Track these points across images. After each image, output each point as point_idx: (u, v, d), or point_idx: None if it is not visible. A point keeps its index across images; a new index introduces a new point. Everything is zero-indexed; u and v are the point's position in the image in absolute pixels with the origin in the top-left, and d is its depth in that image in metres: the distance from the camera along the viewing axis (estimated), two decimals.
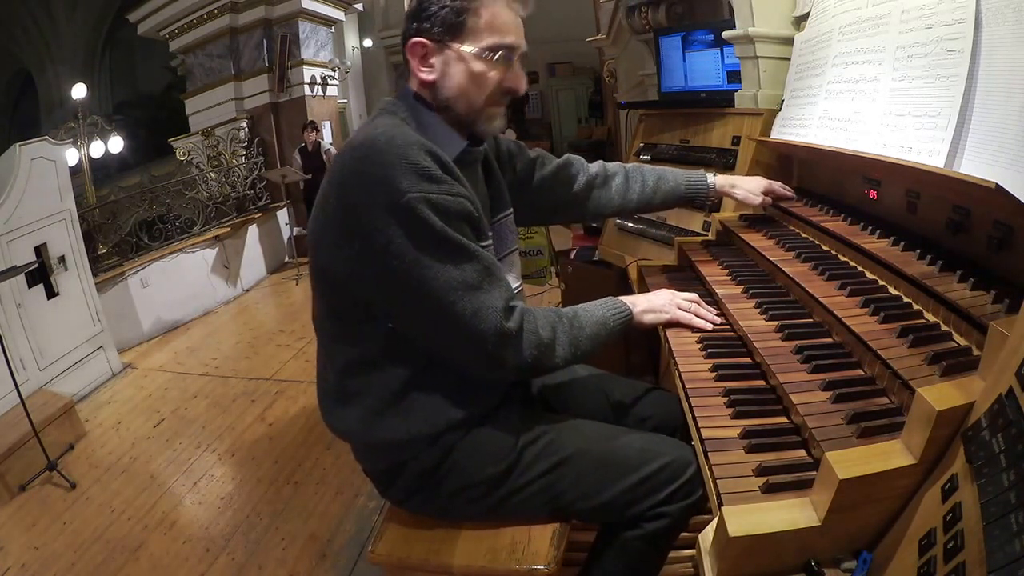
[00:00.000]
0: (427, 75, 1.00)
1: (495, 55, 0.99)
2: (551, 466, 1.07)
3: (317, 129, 5.95)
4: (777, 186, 1.47)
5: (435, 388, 1.03)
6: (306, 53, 6.68)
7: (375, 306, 0.98)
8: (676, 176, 1.44)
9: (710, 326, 1.15)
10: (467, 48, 0.98)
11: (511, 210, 1.24)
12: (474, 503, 1.08)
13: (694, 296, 1.20)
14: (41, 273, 3.18)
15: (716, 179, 1.45)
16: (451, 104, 1.01)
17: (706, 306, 1.19)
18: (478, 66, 0.98)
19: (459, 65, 0.99)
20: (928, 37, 1.06)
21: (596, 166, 1.42)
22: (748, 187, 1.45)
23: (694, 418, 0.90)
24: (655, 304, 1.16)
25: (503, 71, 1.01)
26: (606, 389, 1.30)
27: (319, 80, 6.84)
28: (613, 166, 1.44)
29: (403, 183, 0.88)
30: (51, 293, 3.26)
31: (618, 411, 1.27)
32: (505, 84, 1.02)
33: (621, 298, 1.15)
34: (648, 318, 1.15)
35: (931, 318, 0.88)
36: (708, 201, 1.49)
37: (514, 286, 1.15)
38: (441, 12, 0.96)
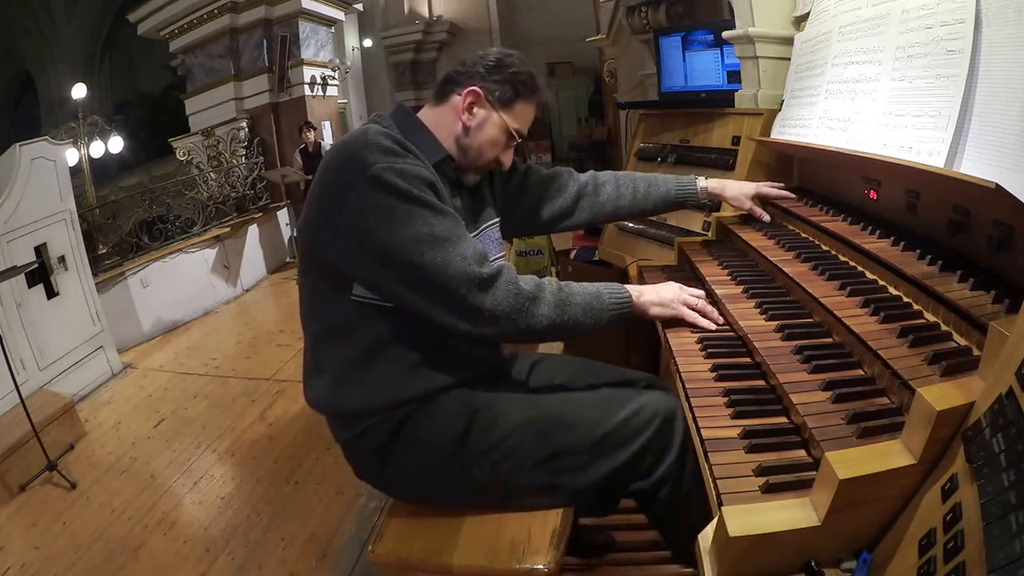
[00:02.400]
0: (467, 120, 1.15)
1: (514, 136, 1.18)
2: (512, 428, 1.09)
3: (314, 128, 5.93)
4: (768, 190, 1.50)
5: (396, 361, 1.08)
6: (306, 53, 6.69)
7: (354, 278, 1.05)
8: (667, 181, 1.49)
9: (713, 326, 1.15)
10: (507, 120, 1.15)
11: (496, 220, 1.28)
12: (434, 481, 1.11)
13: (701, 292, 1.21)
14: (41, 273, 3.18)
15: (707, 182, 1.50)
16: (468, 149, 1.16)
17: (711, 306, 1.19)
18: (502, 136, 1.17)
19: (492, 128, 1.15)
20: (928, 37, 1.06)
21: (587, 175, 1.47)
22: (738, 189, 1.50)
23: (694, 418, 0.90)
24: (664, 297, 1.17)
25: (506, 148, 1.20)
26: (596, 373, 1.30)
27: (319, 80, 6.84)
28: (604, 174, 1.48)
29: (369, 158, 1.01)
30: (51, 293, 3.26)
31: None
32: (502, 157, 1.20)
33: (627, 286, 1.16)
34: (654, 310, 1.16)
35: (931, 318, 0.88)
36: (699, 203, 1.54)
37: None
38: (504, 84, 1.14)
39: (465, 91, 1.13)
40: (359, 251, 1.02)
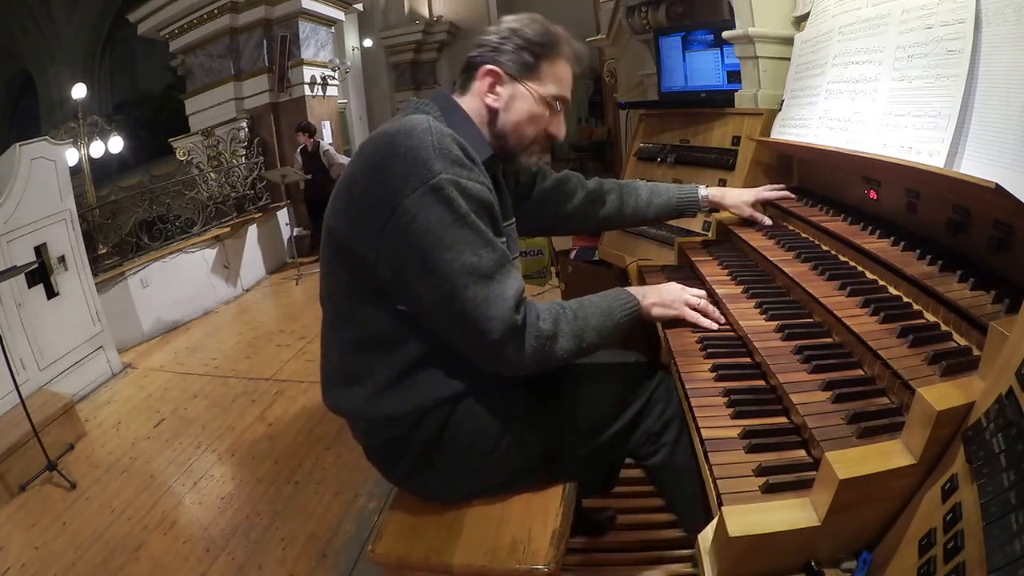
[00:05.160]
0: (493, 102, 1.08)
1: (555, 103, 1.09)
2: (542, 403, 1.12)
3: (312, 132, 5.89)
4: (768, 193, 1.51)
5: (442, 363, 1.04)
6: (306, 53, 6.68)
7: (388, 284, 0.99)
8: (668, 190, 1.51)
9: (715, 326, 1.15)
10: (535, 89, 1.07)
11: (514, 219, 1.26)
12: (478, 466, 1.10)
13: (702, 292, 1.21)
14: (41, 273, 3.18)
15: (708, 191, 1.51)
16: (506, 134, 1.09)
17: (712, 306, 1.20)
18: (538, 108, 1.08)
19: (524, 101, 1.08)
20: (928, 37, 1.06)
21: (593, 182, 1.47)
22: (738, 197, 1.51)
23: (694, 418, 0.90)
24: (665, 298, 1.17)
25: (553, 117, 1.11)
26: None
27: (319, 80, 6.84)
28: (609, 182, 1.50)
29: (435, 165, 0.93)
30: (51, 293, 3.26)
31: None
32: (551, 129, 1.12)
33: (629, 289, 1.16)
34: (656, 311, 1.16)
35: (931, 318, 0.88)
36: (699, 211, 1.55)
37: None
38: (519, 51, 1.06)
39: (481, 72, 1.07)
40: (399, 259, 0.95)
